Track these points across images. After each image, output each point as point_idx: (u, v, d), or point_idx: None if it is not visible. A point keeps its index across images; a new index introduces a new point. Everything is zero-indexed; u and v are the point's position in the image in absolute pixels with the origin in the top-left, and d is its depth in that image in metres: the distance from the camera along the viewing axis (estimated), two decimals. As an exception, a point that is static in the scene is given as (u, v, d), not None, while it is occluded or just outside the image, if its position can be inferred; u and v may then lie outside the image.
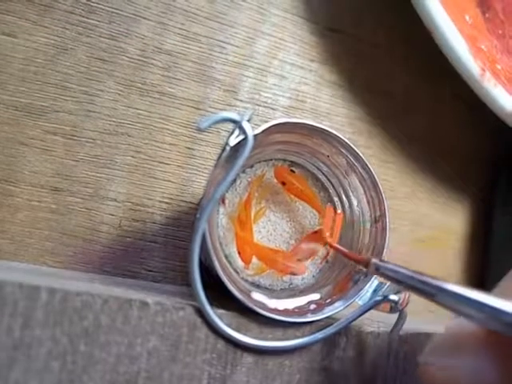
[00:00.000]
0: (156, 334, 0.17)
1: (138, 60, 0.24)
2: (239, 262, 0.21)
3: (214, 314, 0.17)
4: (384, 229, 0.20)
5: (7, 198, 0.22)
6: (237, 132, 0.17)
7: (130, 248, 0.24)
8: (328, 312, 0.19)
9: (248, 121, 0.17)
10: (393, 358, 0.20)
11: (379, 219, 0.21)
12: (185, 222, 0.24)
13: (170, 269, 0.24)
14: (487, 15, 0.28)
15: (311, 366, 0.19)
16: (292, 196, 0.22)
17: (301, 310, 0.20)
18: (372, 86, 0.29)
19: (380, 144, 0.29)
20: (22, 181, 0.22)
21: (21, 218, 0.22)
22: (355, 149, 0.20)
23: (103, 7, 0.24)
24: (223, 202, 0.21)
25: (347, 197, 0.22)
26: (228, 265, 0.21)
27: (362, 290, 0.20)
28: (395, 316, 0.20)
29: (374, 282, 0.20)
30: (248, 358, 0.18)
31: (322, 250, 0.22)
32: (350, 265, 0.21)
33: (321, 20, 0.28)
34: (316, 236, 0.22)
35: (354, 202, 0.22)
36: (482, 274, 0.31)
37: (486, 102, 0.27)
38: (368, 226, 0.21)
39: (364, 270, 0.20)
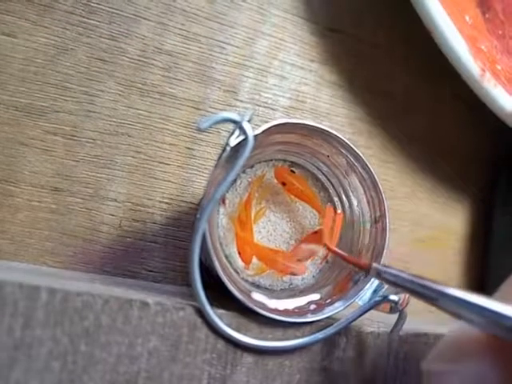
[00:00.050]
0: (156, 334, 0.17)
1: (139, 60, 0.24)
2: (239, 262, 0.21)
3: (214, 314, 0.18)
4: (384, 229, 0.20)
5: (7, 198, 0.22)
6: (237, 132, 0.17)
7: (130, 248, 0.24)
8: (328, 312, 0.19)
9: (248, 121, 0.17)
10: (393, 359, 0.20)
11: (379, 219, 0.21)
12: (185, 223, 0.24)
13: (171, 269, 0.24)
14: (487, 16, 0.28)
15: (311, 366, 0.19)
16: (292, 196, 0.22)
17: (301, 310, 0.20)
18: (372, 86, 0.29)
19: (380, 144, 0.29)
20: (22, 181, 0.22)
21: (21, 218, 0.22)
22: (355, 149, 0.20)
23: (103, 8, 0.24)
24: (223, 202, 0.21)
25: (347, 197, 0.22)
26: (228, 265, 0.21)
27: (361, 290, 0.20)
28: (395, 316, 0.20)
29: (374, 282, 0.20)
30: (248, 358, 0.18)
31: (322, 251, 0.22)
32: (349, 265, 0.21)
33: (321, 20, 0.28)
34: (316, 236, 0.22)
35: (354, 202, 0.22)
36: (482, 275, 0.31)
37: (485, 103, 0.27)
38: (368, 226, 0.21)
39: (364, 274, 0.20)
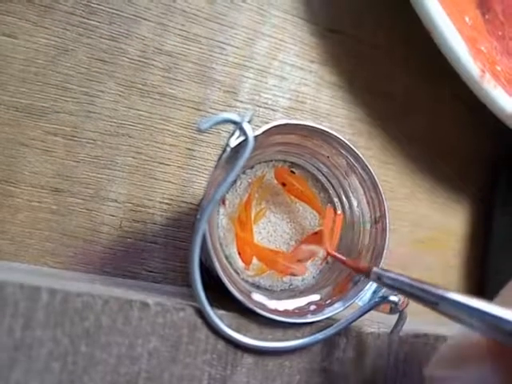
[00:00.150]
0: (156, 334, 0.17)
1: (139, 61, 0.24)
2: (239, 263, 0.21)
3: (214, 314, 0.18)
4: (384, 230, 0.20)
5: (7, 199, 0.22)
6: (237, 133, 0.17)
7: (130, 249, 0.24)
8: (328, 313, 0.19)
9: (248, 122, 0.17)
10: (393, 359, 0.20)
11: (379, 220, 0.21)
12: (185, 223, 0.24)
13: (171, 269, 0.24)
14: (487, 17, 0.28)
15: (311, 366, 0.19)
16: (292, 197, 0.22)
17: (301, 311, 0.20)
18: (372, 86, 0.29)
19: (380, 145, 0.29)
20: (23, 181, 0.22)
21: (21, 218, 0.22)
22: (355, 150, 0.20)
23: (104, 8, 0.24)
24: (223, 202, 0.21)
25: (347, 198, 0.22)
26: (228, 265, 0.21)
27: (361, 290, 0.20)
28: (395, 317, 0.20)
29: (374, 283, 0.20)
30: (248, 359, 0.18)
31: (322, 251, 0.22)
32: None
33: (321, 21, 0.28)
34: (316, 237, 0.22)
35: (354, 203, 0.22)
36: (481, 275, 0.31)
37: (485, 104, 0.27)
38: (368, 226, 0.21)
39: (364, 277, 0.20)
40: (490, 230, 0.31)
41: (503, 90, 0.26)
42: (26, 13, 0.23)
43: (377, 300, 0.19)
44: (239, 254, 0.21)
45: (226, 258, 0.21)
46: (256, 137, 0.17)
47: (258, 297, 0.20)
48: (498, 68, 0.27)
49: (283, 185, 0.22)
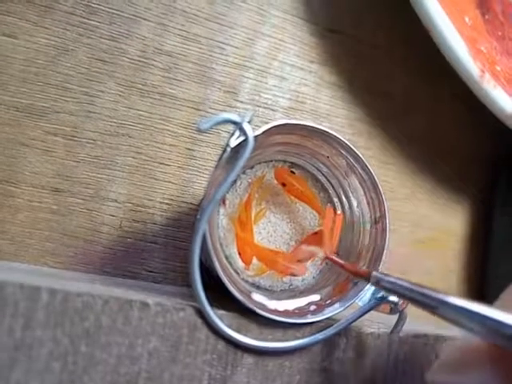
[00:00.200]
0: (156, 334, 0.17)
1: (139, 61, 0.24)
2: (239, 263, 0.21)
3: (214, 314, 0.18)
4: (384, 230, 0.20)
5: (8, 199, 0.22)
6: (237, 133, 0.17)
7: (130, 249, 0.24)
8: (328, 313, 0.19)
9: (248, 122, 0.17)
10: (393, 359, 0.20)
11: (379, 220, 0.21)
12: (185, 223, 0.25)
13: (171, 269, 0.24)
14: (487, 17, 0.28)
15: (311, 366, 0.19)
16: (292, 197, 0.22)
17: (301, 311, 0.20)
18: (372, 86, 0.29)
19: (380, 145, 0.29)
20: (23, 181, 0.22)
21: (21, 218, 0.22)
22: (355, 150, 0.20)
23: (104, 8, 0.24)
24: (224, 202, 0.21)
25: (347, 198, 0.22)
26: (228, 266, 0.21)
27: (361, 291, 0.20)
28: (395, 317, 0.20)
29: (374, 282, 0.20)
30: (248, 359, 0.18)
31: (321, 252, 0.22)
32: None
33: (321, 21, 0.28)
34: (316, 237, 0.22)
35: (354, 203, 0.22)
36: (481, 275, 0.31)
37: (485, 104, 0.27)
38: (368, 227, 0.21)
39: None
40: (490, 231, 0.31)
41: (503, 89, 0.26)
42: (26, 13, 0.23)
43: (377, 300, 0.19)
44: (239, 254, 0.21)
45: (226, 258, 0.21)
46: (256, 137, 0.17)
47: (258, 297, 0.20)
48: (498, 68, 0.27)
49: (283, 185, 0.22)
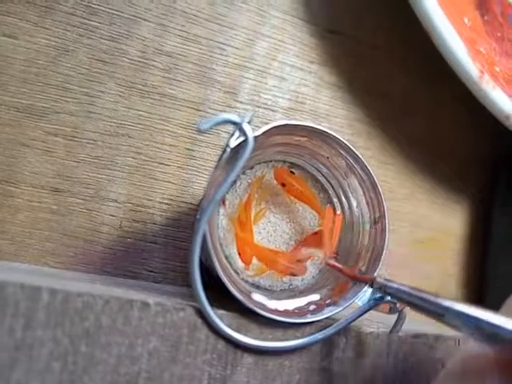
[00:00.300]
0: (156, 334, 0.17)
1: (139, 61, 0.24)
2: (239, 263, 0.21)
3: (214, 314, 0.18)
4: (383, 230, 0.20)
5: (8, 199, 0.22)
6: (237, 134, 0.17)
7: (130, 249, 0.24)
8: (328, 313, 0.19)
9: (248, 122, 0.17)
10: (392, 359, 0.20)
11: (378, 220, 0.21)
12: (185, 223, 0.25)
13: (171, 269, 0.24)
14: (486, 18, 0.28)
15: (311, 366, 0.19)
16: (292, 197, 0.22)
17: (301, 311, 0.20)
18: (371, 87, 0.29)
19: (379, 145, 0.29)
20: (23, 182, 0.22)
21: (21, 218, 0.22)
22: (354, 150, 0.20)
23: (104, 9, 0.24)
24: (223, 203, 0.21)
25: (347, 198, 0.22)
26: (228, 266, 0.21)
27: (361, 290, 0.20)
28: (394, 317, 0.20)
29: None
30: (248, 359, 0.18)
31: (321, 253, 0.22)
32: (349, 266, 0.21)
33: (320, 22, 0.28)
34: (316, 237, 0.22)
35: (354, 204, 0.22)
36: (481, 275, 0.31)
37: (484, 105, 0.27)
38: (367, 227, 0.22)
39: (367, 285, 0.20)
40: (489, 231, 0.31)
41: (502, 90, 0.26)
42: (27, 13, 0.23)
43: (376, 300, 0.19)
44: (239, 254, 0.21)
45: (226, 258, 0.21)
46: (256, 137, 0.17)
47: (257, 297, 0.20)
48: (497, 69, 0.27)
49: (283, 185, 0.22)
